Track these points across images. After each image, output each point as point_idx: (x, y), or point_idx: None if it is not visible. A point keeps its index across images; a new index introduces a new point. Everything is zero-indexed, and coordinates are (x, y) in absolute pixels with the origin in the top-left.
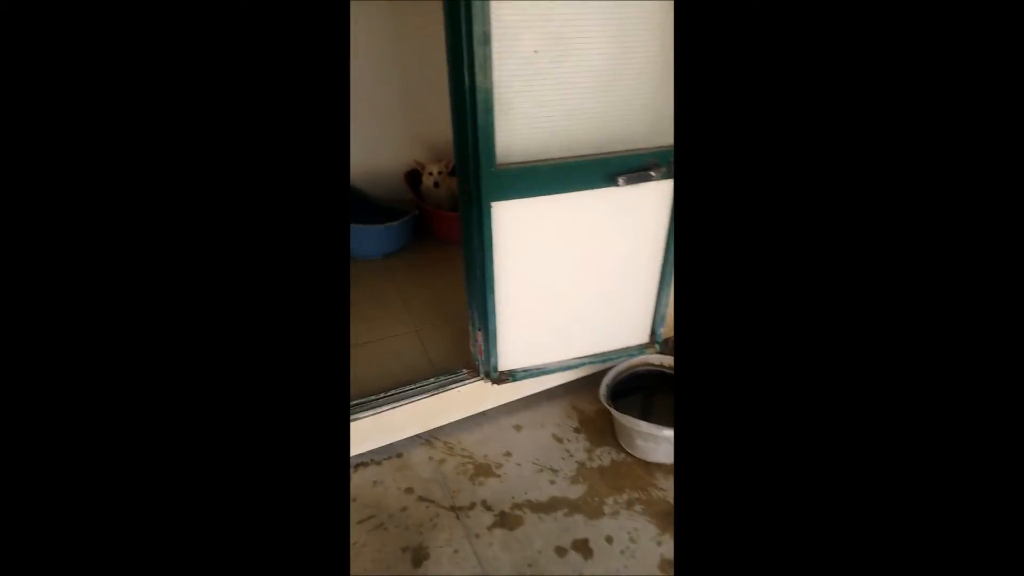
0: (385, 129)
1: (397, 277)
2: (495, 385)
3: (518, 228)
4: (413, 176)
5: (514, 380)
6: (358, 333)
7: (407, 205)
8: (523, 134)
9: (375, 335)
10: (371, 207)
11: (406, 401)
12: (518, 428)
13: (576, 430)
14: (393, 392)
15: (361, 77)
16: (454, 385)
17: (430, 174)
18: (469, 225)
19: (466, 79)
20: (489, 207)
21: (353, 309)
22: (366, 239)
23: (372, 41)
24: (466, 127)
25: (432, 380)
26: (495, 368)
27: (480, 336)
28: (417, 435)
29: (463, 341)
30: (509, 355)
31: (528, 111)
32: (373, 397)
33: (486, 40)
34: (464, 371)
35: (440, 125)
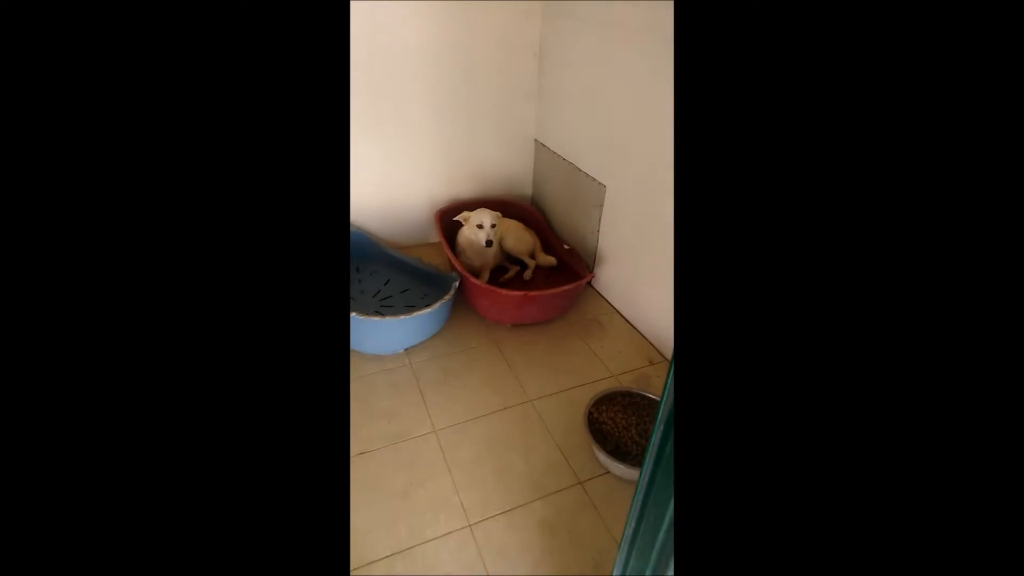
0: (410, 149)
1: (427, 392)
2: None
3: None
4: (450, 221)
5: None
6: (374, 534)
7: (431, 257)
8: None
9: (404, 537)
10: (378, 256)
11: None
12: None
13: None
14: None
15: (386, 78)
16: None
17: (479, 227)
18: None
19: None
20: None
21: (368, 469)
22: (382, 332)
23: (408, 36)
24: None
25: None
26: None
27: None
28: None
29: (550, 550)
30: None
31: None
32: None
33: None
34: None
35: (489, 153)
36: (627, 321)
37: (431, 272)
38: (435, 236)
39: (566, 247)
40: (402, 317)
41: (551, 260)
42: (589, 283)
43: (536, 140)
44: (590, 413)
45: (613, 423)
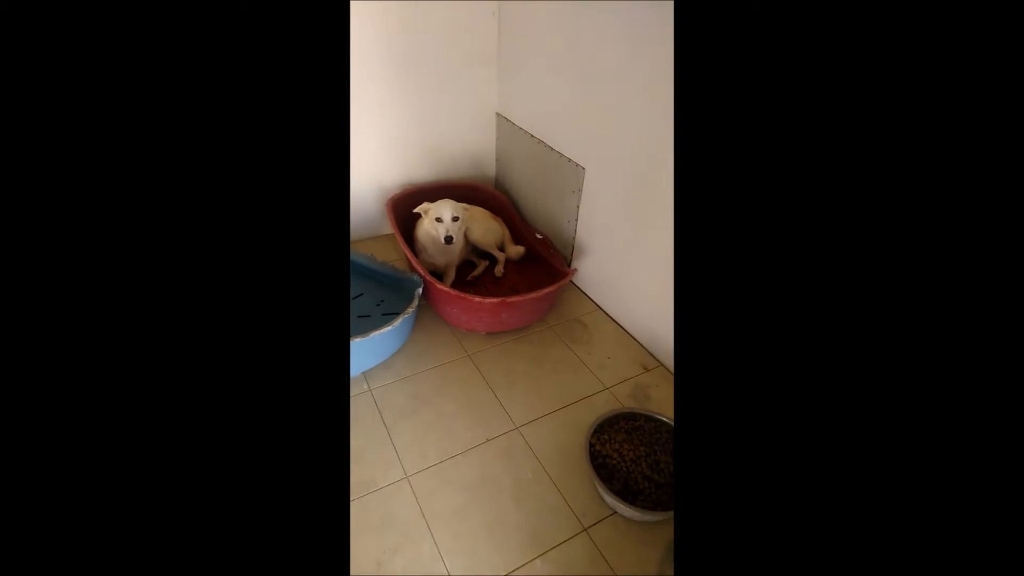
0: (352, 126)
1: (393, 426)
2: None
3: None
4: (408, 212)
5: None
6: None
7: (385, 253)
8: None
9: None
10: None
11: None
12: None
13: None
14: None
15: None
16: None
17: (438, 220)
18: None
19: None
20: None
21: None
22: None
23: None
24: None
25: None
26: None
27: None
28: None
29: None
30: None
31: None
32: None
33: None
34: None
35: (442, 129)
36: (613, 320)
37: (387, 273)
38: (387, 227)
39: (538, 236)
40: (357, 340)
41: (519, 250)
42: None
43: (498, 114)
44: (591, 445)
45: (619, 456)
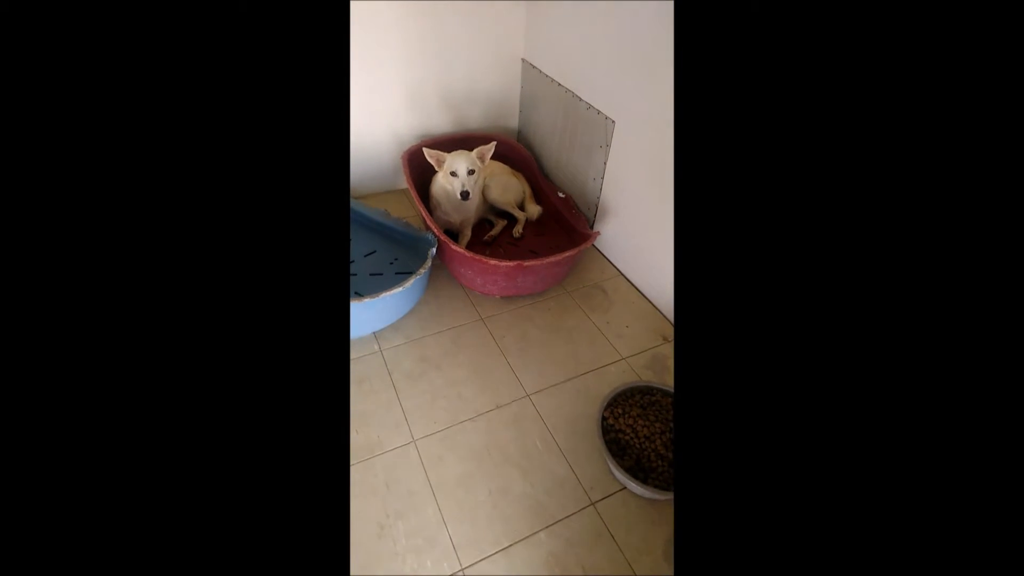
0: (367, 73)
1: (402, 389)
2: None
3: None
4: (420, 165)
5: None
6: None
7: (399, 209)
8: None
9: None
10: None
11: None
12: None
13: None
14: None
15: None
16: None
17: (453, 174)
18: None
19: None
20: None
21: None
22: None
23: None
24: None
25: None
26: None
27: None
28: None
29: None
30: None
31: None
32: None
33: None
34: None
35: (464, 76)
36: (635, 287)
37: (401, 230)
38: (403, 181)
39: (561, 195)
40: (367, 300)
41: (537, 210)
42: None
43: (524, 60)
44: (604, 418)
45: (632, 432)
